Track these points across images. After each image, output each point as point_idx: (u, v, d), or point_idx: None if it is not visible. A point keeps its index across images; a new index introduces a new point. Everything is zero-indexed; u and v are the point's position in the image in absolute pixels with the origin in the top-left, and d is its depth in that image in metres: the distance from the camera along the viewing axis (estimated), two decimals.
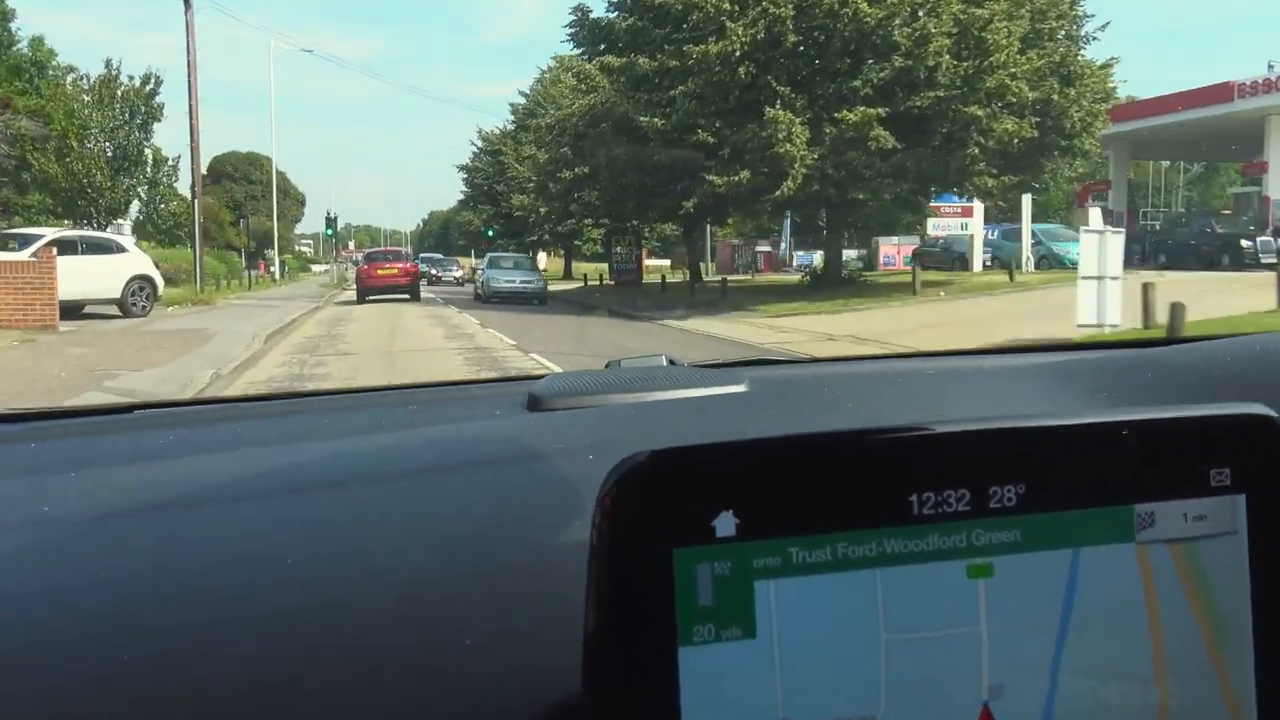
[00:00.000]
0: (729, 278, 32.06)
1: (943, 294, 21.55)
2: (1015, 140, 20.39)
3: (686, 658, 0.39)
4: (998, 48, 19.55)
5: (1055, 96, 20.81)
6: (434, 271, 49.95)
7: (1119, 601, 0.44)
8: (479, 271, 33.01)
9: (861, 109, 19.55)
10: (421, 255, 66.34)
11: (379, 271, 29.17)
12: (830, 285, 23.74)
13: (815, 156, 20.01)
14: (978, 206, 32.73)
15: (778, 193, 20.10)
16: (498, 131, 60.96)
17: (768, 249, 52.53)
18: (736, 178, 20.58)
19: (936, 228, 33.71)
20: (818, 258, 55.18)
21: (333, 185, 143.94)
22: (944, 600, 0.42)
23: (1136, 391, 0.89)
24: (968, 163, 20.66)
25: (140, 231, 32.85)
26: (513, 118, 60.12)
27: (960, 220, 33.29)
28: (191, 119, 26.37)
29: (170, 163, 47.42)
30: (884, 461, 0.42)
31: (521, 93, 60.54)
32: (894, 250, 47.17)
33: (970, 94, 19.90)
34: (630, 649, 0.39)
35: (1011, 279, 23.13)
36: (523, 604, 0.59)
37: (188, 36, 26.16)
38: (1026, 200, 27.99)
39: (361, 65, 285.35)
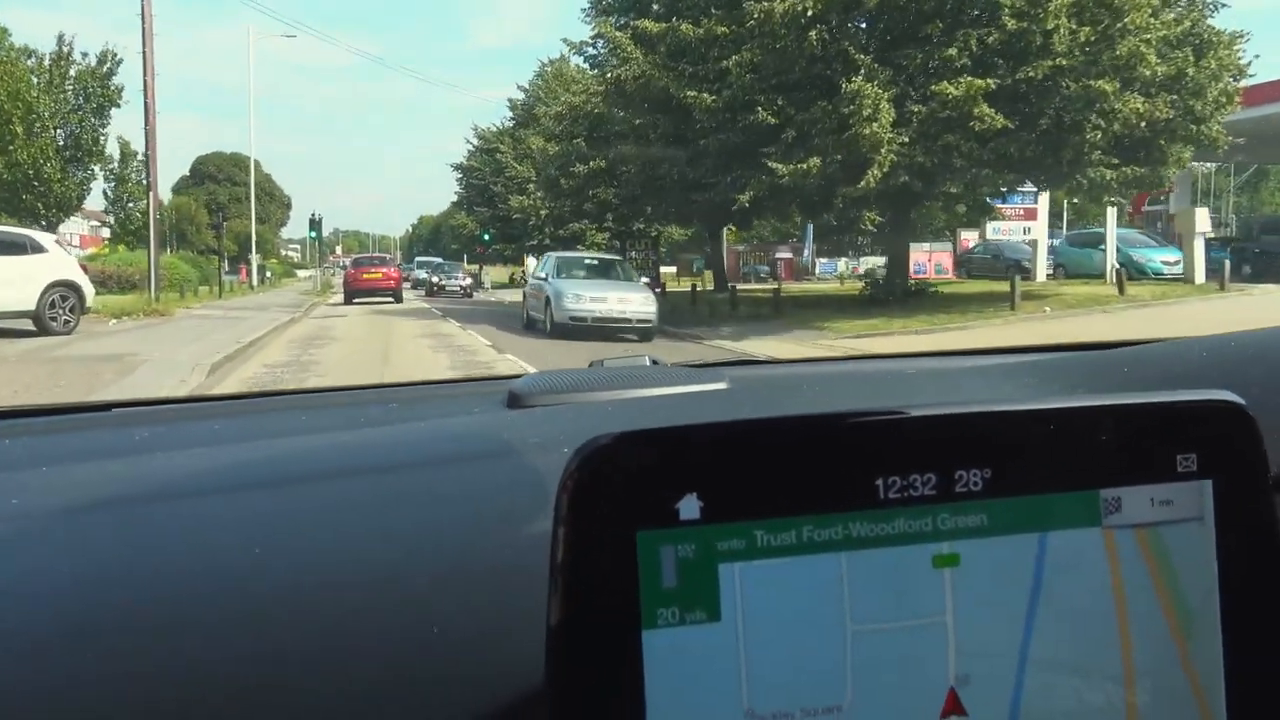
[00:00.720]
0: (739, 287, 28.55)
1: (1047, 310, 17.89)
2: (1143, 124, 16.69)
3: (651, 641, 0.39)
4: (1133, 6, 15.85)
5: (1190, 71, 17.10)
6: (436, 280, 40.51)
7: (1085, 587, 0.44)
8: (533, 280, 19.56)
9: (967, 79, 15.77)
10: (418, 260, 62.40)
11: (365, 275, 30.65)
12: (896, 297, 19.93)
13: (903, 140, 16.24)
14: (1041, 208, 29.07)
15: (860, 184, 16.21)
16: (495, 129, 57.23)
17: (788, 255, 48.87)
18: (805, 165, 16.79)
19: (996, 231, 30.10)
20: (842, 265, 52.02)
21: (319, 188, 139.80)
22: (910, 587, 0.42)
23: (1113, 386, 0.89)
24: (1085, 150, 16.93)
25: (113, 234, 28.72)
26: (511, 114, 56.55)
27: (1022, 224, 29.64)
28: (146, 101, 22.46)
29: (140, 157, 43.58)
30: (849, 445, 0.41)
31: (521, 88, 56.73)
32: (924, 258, 43.51)
33: (1093, 64, 16.19)
34: (593, 632, 0.38)
35: (1122, 290, 19.44)
36: (494, 596, 0.59)
37: (143, 16, 22.20)
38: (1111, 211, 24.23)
39: (352, 58, 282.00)
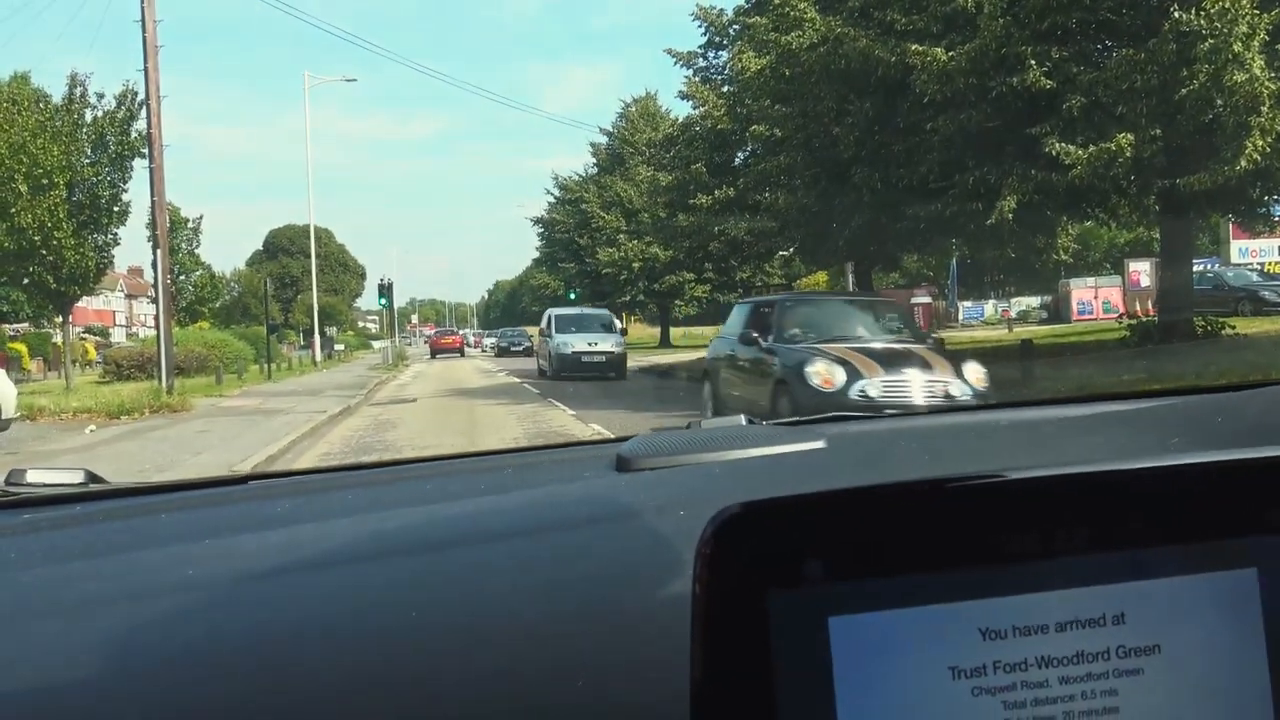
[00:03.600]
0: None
1: None
2: None
3: (784, 693, 0.42)
4: None
5: None
6: (503, 344, 49.43)
7: (1224, 635, 0.45)
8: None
9: None
10: (489, 331, 72.53)
11: (441, 341, 51.36)
12: (1178, 343, 13.48)
13: None
14: None
15: (1232, 164, 9.91)
16: (577, 178, 52.06)
17: (926, 300, 42.38)
18: (1110, 146, 10.67)
19: (1244, 254, 23.70)
20: (990, 308, 45.14)
21: (392, 255, 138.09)
22: (1030, 647, 0.44)
23: (1208, 436, 0.88)
24: None
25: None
26: (594, 160, 51.32)
27: (1277, 243, 23.00)
28: (150, 131, 17.18)
29: (191, 224, 38.71)
30: (957, 507, 0.44)
31: (604, 130, 51.53)
32: (1089, 295, 36.86)
33: None
34: (732, 686, 0.41)
35: None
36: (628, 653, 0.61)
37: (145, 63, 16.96)
38: None
39: (427, 131, 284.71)
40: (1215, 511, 0.45)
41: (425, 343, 61.80)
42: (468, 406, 15.78)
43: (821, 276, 39.71)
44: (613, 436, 1.38)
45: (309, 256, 73.34)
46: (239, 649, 0.64)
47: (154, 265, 16.87)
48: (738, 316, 10.85)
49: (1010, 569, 0.43)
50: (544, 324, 24.28)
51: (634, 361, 23.73)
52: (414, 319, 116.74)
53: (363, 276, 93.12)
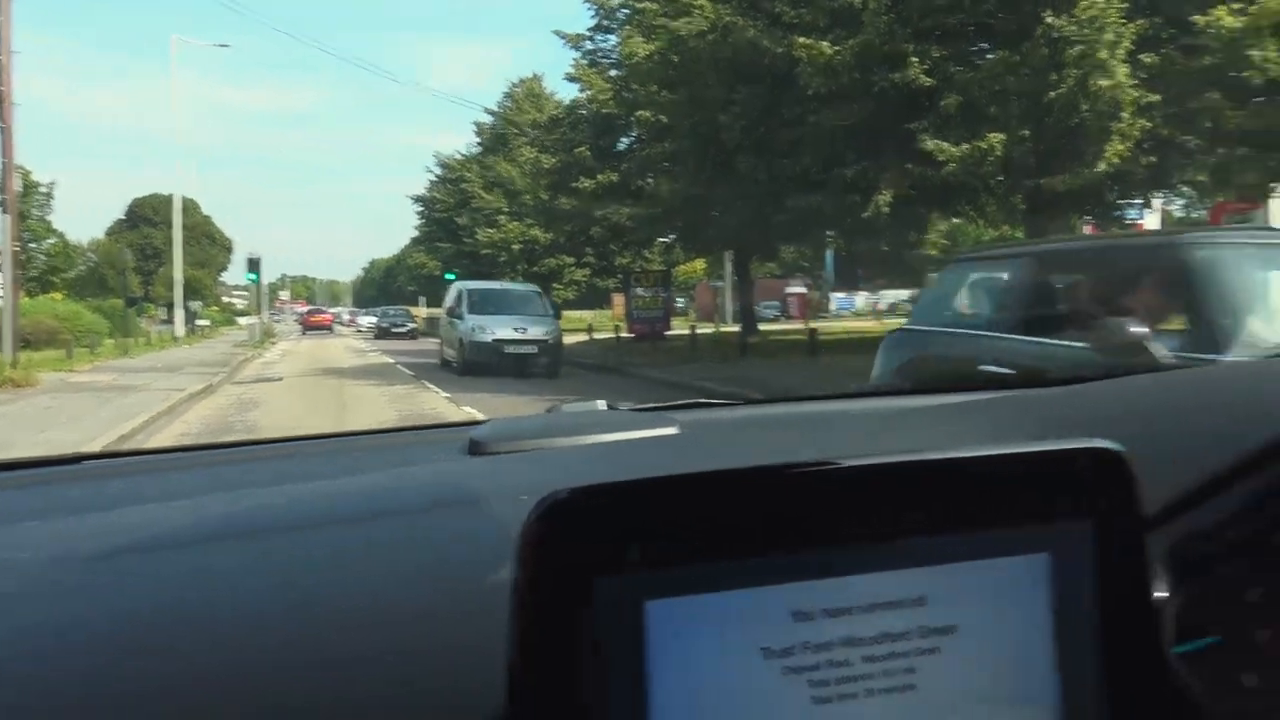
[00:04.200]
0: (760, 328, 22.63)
1: None
2: None
3: (598, 673, 0.43)
4: None
5: None
6: (384, 324, 41.80)
7: (1010, 617, 0.48)
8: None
9: (1254, 5, 10.05)
10: (366, 310, 66.57)
11: (311, 319, 53.13)
12: None
13: (1153, 99, 10.43)
14: (1150, 225, 23.64)
15: (1096, 165, 10.29)
16: (460, 157, 51.14)
17: (801, 290, 43.16)
18: (982, 144, 10.97)
19: None
20: (861, 300, 46.16)
21: (264, 228, 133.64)
22: (838, 628, 0.46)
23: (1026, 430, 0.92)
24: None
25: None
26: (478, 140, 50.48)
27: None
28: (0, 108, 16.02)
29: (43, 189, 36.83)
30: (772, 495, 0.46)
31: (489, 110, 50.72)
32: None
33: None
34: (549, 667, 0.43)
35: None
36: (461, 640, 0.60)
37: None
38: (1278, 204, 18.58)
39: (308, 104, 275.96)
40: (1011, 500, 0.48)
41: (296, 321, 60.62)
42: (337, 387, 15.25)
43: (700, 264, 39.97)
44: (481, 419, 1.37)
45: (173, 227, 70.36)
46: (62, 638, 0.61)
47: (3, 231, 15.78)
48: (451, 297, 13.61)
49: (821, 554, 0.46)
50: (451, 301, 18.82)
51: None
52: (283, 295, 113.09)
53: (230, 250, 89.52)
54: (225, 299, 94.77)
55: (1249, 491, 0.67)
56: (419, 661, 0.58)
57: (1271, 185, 12.11)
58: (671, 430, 1.00)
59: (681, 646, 0.44)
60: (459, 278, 44.66)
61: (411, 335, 38.23)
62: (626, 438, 0.98)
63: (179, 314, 37.28)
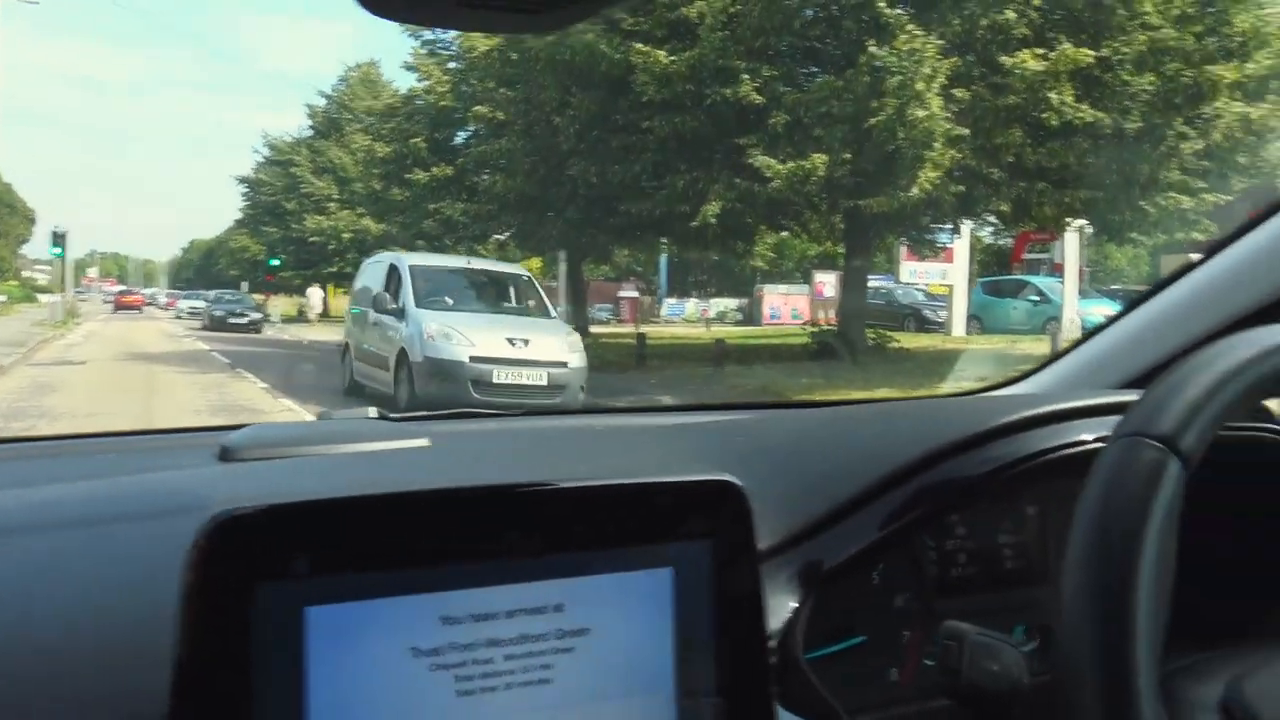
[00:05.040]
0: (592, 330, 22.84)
1: None
2: (1243, 133, 12.37)
3: (267, 673, 0.47)
4: None
5: None
6: (217, 312, 32.55)
7: (642, 621, 0.55)
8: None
9: (1067, 48, 10.85)
10: (188, 293, 59.63)
11: (125, 299, 49.58)
12: (855, 355, 14.74)
13: (962, 132, 11.13)
14: (960, 250, 25.12)
15: (909, 190, 10.90)
16: (290, 140, 49.33)
17: (634, 294, 43.62)
18: (806, 164, 11.45)
19: (913, 274, 25.99)
20: (690, 307, 47.07)
21: (73, 199, 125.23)
22: (482, 631, 0.52)
23: (721, 455, 1.00)
24: (1168, 164, 12.40)
25: None
26: (310, 123, 48.80)
27: (941, 267, 25.50)
28: None
29: None
30: (429, 514, 0.52)
31: (323, 93, 49.10)
32: (781, 301, 39.37)
33: (1202, 48, 11.72)
34: (209, 671, 0.46)
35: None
36: (138, 649, 0.61)
37: None
38: (1073, 238, 20.07)
39: (130, 73, 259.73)
40: (643, 522, 0.56)
41: (105, 301, 56.61)
42: (145, 373, 14.48)
43: (536, 263, 39.91)
44: (229, 424, 1.36)
45: None
46: None
47: None
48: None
49: (470, 567, 0.52)
50: (372, 282, 11.45)
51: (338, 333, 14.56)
52: (92, 272, 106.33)
53: (33, 221, 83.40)
54: (26, 273, 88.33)
55: (883, 513, 0.78)
56: (100, 664, 0.60)
57: (1066, 220, 13.12)
58: (423, 442, 1.03)
59: (339, 647, 0.49)
60: (284, 265, 41.91)
61: (255, 328, 31.35)
62: (378, 448, 1.00)
63: None
